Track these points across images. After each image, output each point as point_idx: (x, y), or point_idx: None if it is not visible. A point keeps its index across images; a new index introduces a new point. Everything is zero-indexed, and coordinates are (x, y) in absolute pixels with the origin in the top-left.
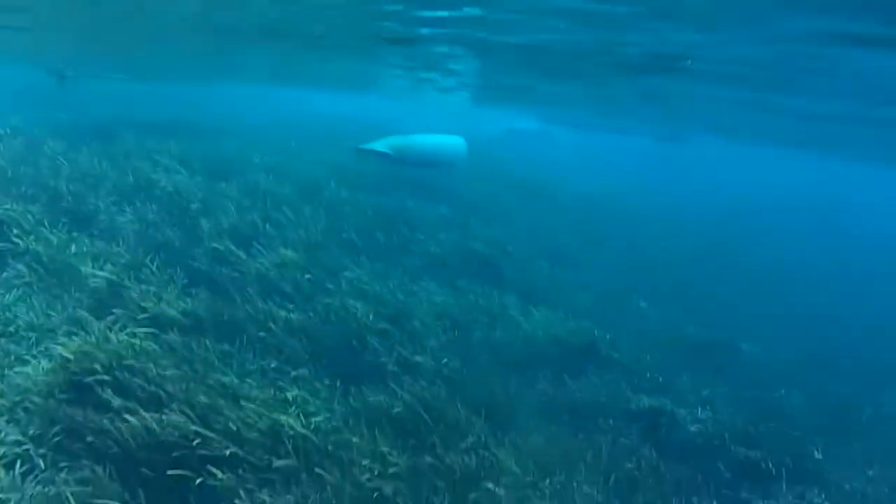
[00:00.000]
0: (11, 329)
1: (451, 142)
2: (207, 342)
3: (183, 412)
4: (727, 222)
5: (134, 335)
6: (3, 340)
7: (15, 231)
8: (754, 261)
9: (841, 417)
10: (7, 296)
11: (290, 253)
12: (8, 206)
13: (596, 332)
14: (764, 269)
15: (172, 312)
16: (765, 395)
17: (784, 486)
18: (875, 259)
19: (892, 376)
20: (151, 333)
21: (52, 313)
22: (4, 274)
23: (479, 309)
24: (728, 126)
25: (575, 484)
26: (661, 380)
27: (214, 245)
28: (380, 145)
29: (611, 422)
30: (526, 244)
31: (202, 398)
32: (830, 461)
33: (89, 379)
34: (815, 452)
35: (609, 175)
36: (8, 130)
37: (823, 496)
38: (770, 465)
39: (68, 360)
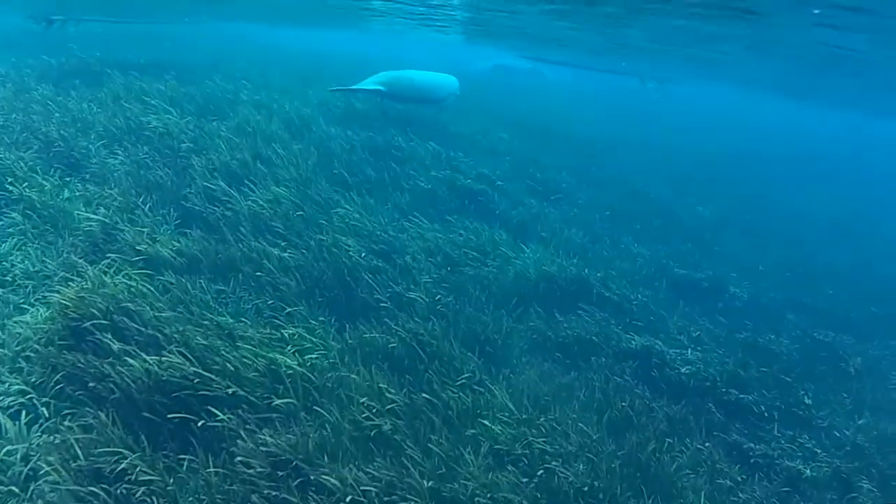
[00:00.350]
0: (9, 278)
1: (443, 79)
2: (202, 282)
3: (181, 354)
4: (718, 159)
5: (129, 277)
6: (1, 291)
7: (9, 179)
8: (744, 198)
9: (831, 364)
10: (3, 245)
11: (281, 190)
12: (1, 155)
13: (586, 270)
14: (753, 206)
15: (166, 253)
16: (754, 338)
17: (776, 429)
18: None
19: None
20: (147, 275)
21: (48, 260)
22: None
23: (470, 245)
24: (721, 70)
25: (569, 421)
26: (651, 319)
27: (206, 184)
28: (370, 83)
29: (603, 360)
30: (516, 180)
31: (199, 340)
32: (821, 407)
33: (87, 324)
34: (806, 398)
35: (597, 112)
36: None
37: (814, 442)
38: (762, 409)
39: (66, 307)
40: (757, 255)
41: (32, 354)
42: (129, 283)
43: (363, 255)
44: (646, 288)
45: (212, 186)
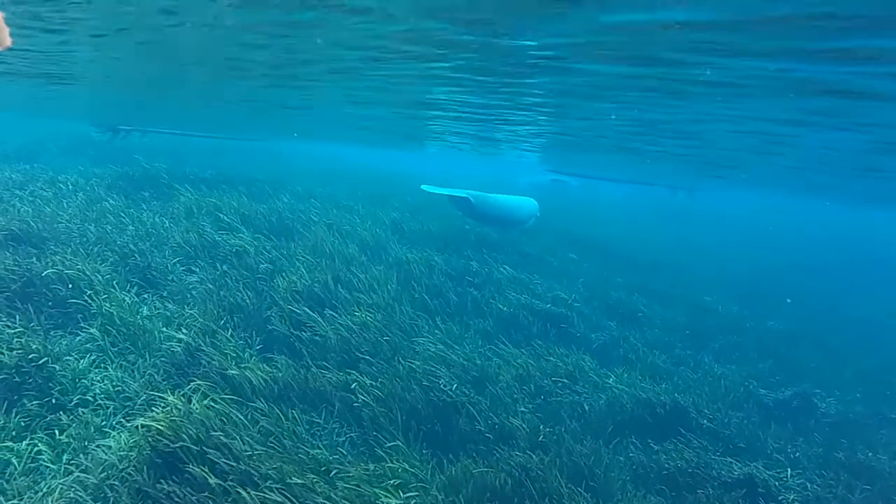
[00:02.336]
0: (89, 397)
1: (525, 202)
2: (295, 413)
3: (281, 492)
4: (773, 268)
5: (217, 403)
6: (82, 411)
7: (88, 292)
8: (809, 307)
9: None
10: (81, 361)
11: (366, 315)
12: (79, 266)
13: (677, 395)
14: (820, 316)
15: (255, 379)
16: (852, 456)
17: None
18: None
19: None
20: (235, 401)
21: (129, 380)
22: (77, 338)
23: (558, 372)
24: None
25: None
26: (748, 443)
27: (290, 307)
28: (460, 191)
29: (710, 491)
30: (591, 302)
31: (296, 479)
32: None
33: (177, 451)
34: None
35: (642, 222)
36: (70, 186)
37: None
38: None
39: (154, 434)
40: (834, 366)
41: (117, 483)
42: (218, 409)
43: (455, 385)
44: (736, 410)
45: (296, 311)
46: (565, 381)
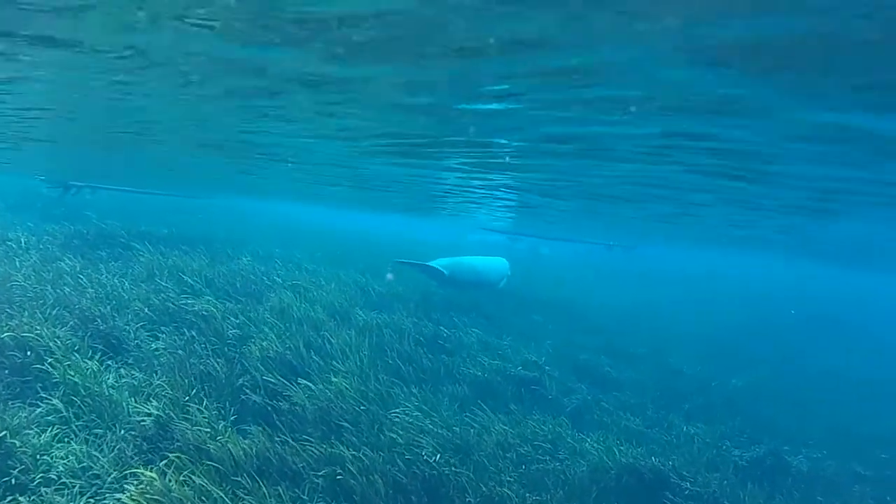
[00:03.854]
0: (52, 475)
1: (497, 262)
2: (280, 490)
3: None
4: (730, 326)
5: (193, 478)
6: (44, 491)
7: (48, 360)
8: (771, 363)
9: None
10: (43, 435)
11: (341, 383)
12: (38, 330)
13: (654, 458)
14: (781, 372)
15: (235, 453)
16: None
17: None
18: None
19: None
20: (213, 476)
21: (97, 455)
22: (38, 409)
23: (538, 437)
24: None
25: None
26: None
27: (263, 377)
28: (435, 264)
29: None
30: (560, 365)
31: None
32: None
33: None
34: None
35: (600, 284)
36: (21, 244)
37: None
38: None
39: None
40: (800, 422)
41: None
42: (197, 486)
43: (438, 456)
44: (713, 471)
45: (270, 380)
46: (546, 446)
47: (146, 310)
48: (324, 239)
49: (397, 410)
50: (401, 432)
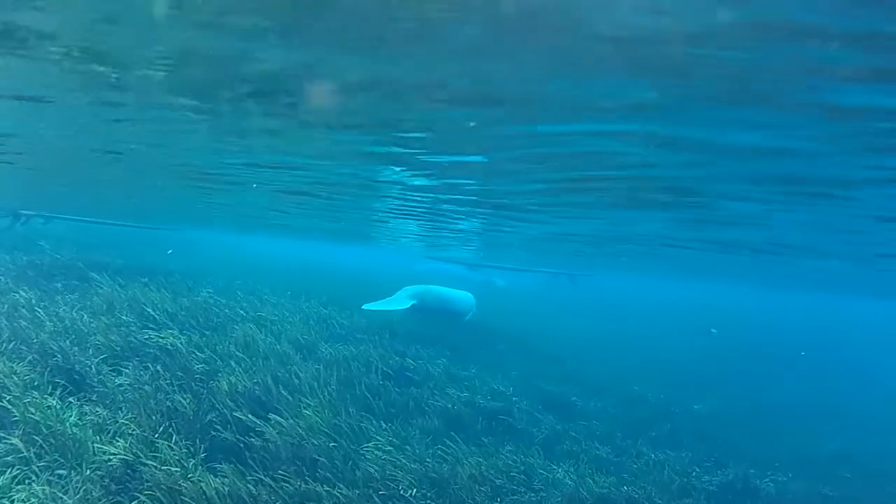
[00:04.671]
0: None
1: (464, 295)
2: None
3: None
4: (688, 351)
5: None
6: None
7: (6, 397)
8: (729, 389)
9: None
10: (2, 477)
11: (313, 417)
12: None
13: (625, 487)
14: (741, 397)
15: (204, 494)
16: None
17: None
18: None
19: None
20: None
21: (62, 496)
22: None
23: (512, 469)
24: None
25: None
26: None
27: (234, 414)
28: (403, 298)
29: None
30: (527, 395)
31: None
32: None
33: None
34: None
35: (557, 313)
36: None
37: None
38: None
39: None
40: (765, 445)
41: None
42: None
43: (414, 490)
44: (685, 497)
45: (240, 416)
46: (520, 477)
47: (108, 344)
48: (282, 269)
49: (369, 445)
50: (375, 467)
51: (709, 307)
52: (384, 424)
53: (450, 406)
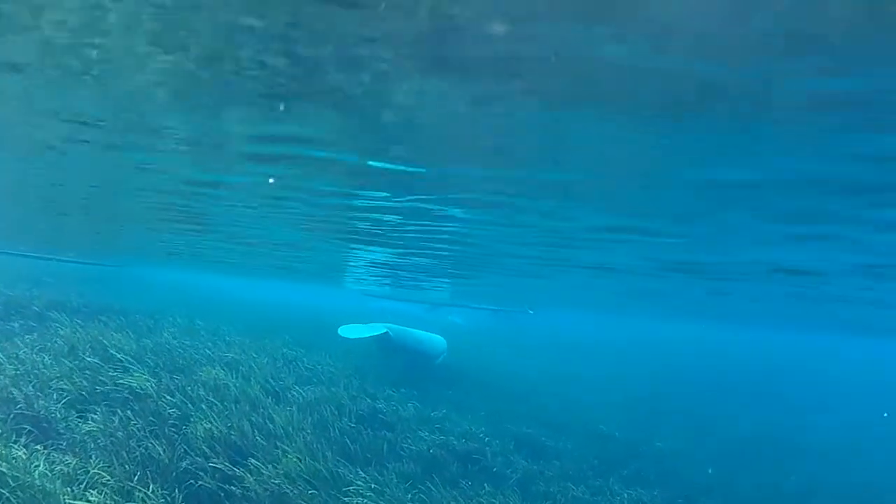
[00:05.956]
0: None
1: (436, 338)
2: None
3: None
4: (644, 385)
5: None
6: None
7: None
8: (688, 425)
9: None
10: None
11: (291, 462)
12: None
13: None
14: (703, 433)
15: None
16: None
17: None
18: None
19: None
20: None
21: None
22: None
23: None
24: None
25: None
26: None
27: (211, 462)
28: (378, 328)
29: None
30: (498, 436)
31: None
32: None
33: None
34: None
35: (510, 351)
36: None
37: None
38: None
39: None
40: (731, 480)
41: None
42: None
43: None
44: None
45: (217, 464)
46: None
47: (74, 388)
48: (238, 308)
49: (350, 488)
50: None
51: (663, 342)
52: (360, 471)
53: (425, 449)
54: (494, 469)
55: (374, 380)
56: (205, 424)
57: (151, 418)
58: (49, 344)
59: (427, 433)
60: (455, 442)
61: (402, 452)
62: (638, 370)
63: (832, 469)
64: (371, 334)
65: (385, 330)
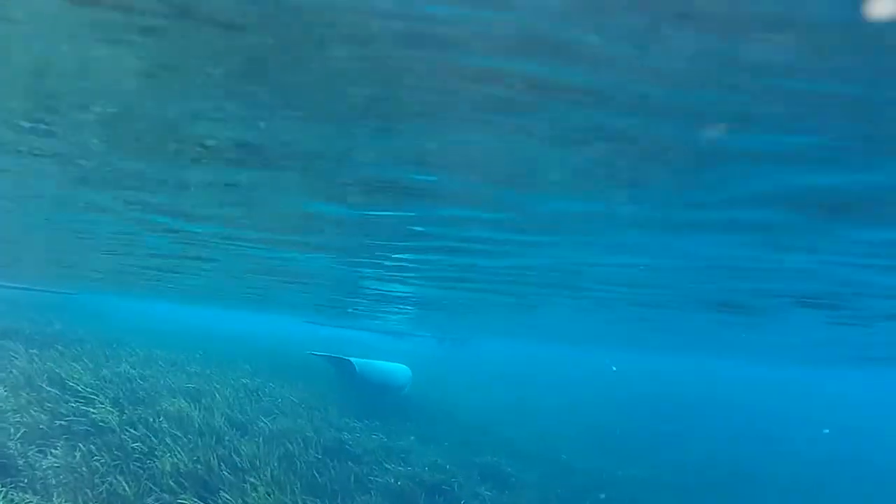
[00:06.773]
0: None
1: (402, 368)
2: None
3: None
4: (592, 414)
5: None
6: None
7: None
8: (641, 453)
9: None
10: None
11: (262, 497)
12: None
13: None
14: (660, 461)
15: None
16: None
17: None
18: None
19: None
20: None
21: None
22: None
23: None
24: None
25: None
26: None
27: (179, 499)
28: (344, 355)
29: None
30: (462, 467)
31: None
32: None
33: None
34: None
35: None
36: None
37: None
38: None
39: None
40: None
41: None
42: None
43: None
44: None
45: (184, 500)
46: None
47: (33, 422)
48: (195, 336)
49: None
50: None
51: (618, 373)
52: None
53: (392, 481)
54: (462, 501)
55: (337, 410)
56: (171, 458)
57: (116, 452)
58: (3, 374)
59: (393, 465)
60: (423, 473)
61: (369, 485)
62: (593, 399)
63: (790, 500)
64: (338, 357)
65: (352, 363)
